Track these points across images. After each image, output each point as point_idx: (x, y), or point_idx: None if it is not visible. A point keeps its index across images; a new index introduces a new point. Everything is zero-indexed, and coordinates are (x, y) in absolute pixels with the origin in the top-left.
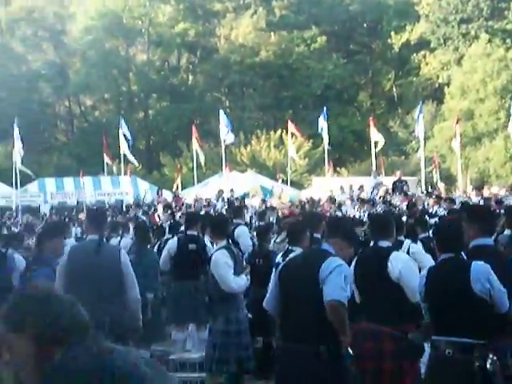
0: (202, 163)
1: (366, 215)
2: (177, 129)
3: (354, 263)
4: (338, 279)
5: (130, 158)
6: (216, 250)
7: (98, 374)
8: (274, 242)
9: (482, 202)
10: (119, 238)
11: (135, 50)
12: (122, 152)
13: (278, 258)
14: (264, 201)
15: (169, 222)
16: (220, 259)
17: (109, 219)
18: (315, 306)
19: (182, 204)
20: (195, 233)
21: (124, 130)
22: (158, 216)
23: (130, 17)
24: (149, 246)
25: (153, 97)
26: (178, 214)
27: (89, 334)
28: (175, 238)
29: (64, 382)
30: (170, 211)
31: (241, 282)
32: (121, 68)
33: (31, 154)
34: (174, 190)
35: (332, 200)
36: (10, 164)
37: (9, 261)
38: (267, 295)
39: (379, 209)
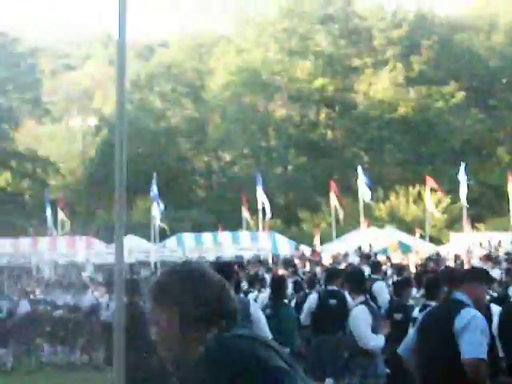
0: (341, 218)
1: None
2: (315, 184)
3: (497, 317)
4: (474, 334)
5: (267, 212)
6: (355, 306)
7: (247, 364)
8: (413, 297)
9: None
10: (256, 292)
11: (274, 105)
12: (260, 207)
13: (416, 313)
14: (389, 258)
15: (301, 277)
16: (359, 316)
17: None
18: (452, 360)
19: (320, 259)
20: (335, 288)
21: (261, 185)
22: (294, 271)
23: (268, 72)
24: (286, 301)
25: (291, 152)
26: (317, 269)
27: (236, 321)
28: (315, 293)
29: (215, 367)
30: (292, 268)
31: (379, 341)
32: (260, 123)
33: (170, 209)
34: (312, 245)
35: (456, 257)
36: (148, 219)
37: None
38: (402, 344)
39: (503, 266)
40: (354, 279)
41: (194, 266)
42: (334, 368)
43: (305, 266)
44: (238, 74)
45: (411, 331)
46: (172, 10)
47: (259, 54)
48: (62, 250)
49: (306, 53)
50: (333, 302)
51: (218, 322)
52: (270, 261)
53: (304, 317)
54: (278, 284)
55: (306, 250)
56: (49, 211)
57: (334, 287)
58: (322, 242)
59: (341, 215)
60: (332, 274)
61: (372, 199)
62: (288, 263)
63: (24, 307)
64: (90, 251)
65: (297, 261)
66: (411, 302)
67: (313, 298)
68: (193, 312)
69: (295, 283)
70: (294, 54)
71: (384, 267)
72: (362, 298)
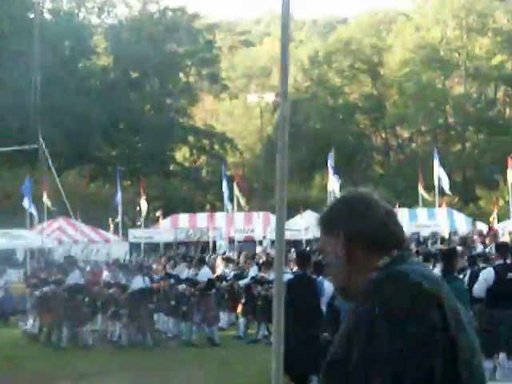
0: None
1: None
2: (493, 161)
3: None
4: None
5: (446, 189)
6: None
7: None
8: None
9: None
10: (431, 266)
11: (452, 83)
12: (436, 184)
13: None
14: None
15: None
16: None
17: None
18: None
19: (496, 235)
20: (509, 261)
21: (438, 162)
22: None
23: (447, 49)
24: (458, 274)
25: (469, 129)
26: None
27: (408, 251)
28: (491, 268)
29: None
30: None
31: None
32: (437, 100)
33: (347, 185)
34: (489, 222)
35: None
36: (325, 195)
37: (319, 286)
38: None
39: None
40: None
41: (360, 192)
42: (507, 342)
43: (483, 243)
44: (416, 51)
45: None
46: None
47: (437, 31)
48: (239, 226)
49: (484, 30)
50: (511, 275)
51: (388, 249)
52: (447, 237)
53: (479, 290)
54: (448, 257)
55: (483, 226)
56: (225, 187)
57: (508, 261)
58: (499, 219)
59: None
60: (504, 247)
61: None
62: (465, 240)
63: (138, 283)
64: (267, 227)
65: (474, 237)
66: None
67: (488, 273)
68: (358, 236)
69: (470, 258)
70: (472, 31)
71: None
72: None
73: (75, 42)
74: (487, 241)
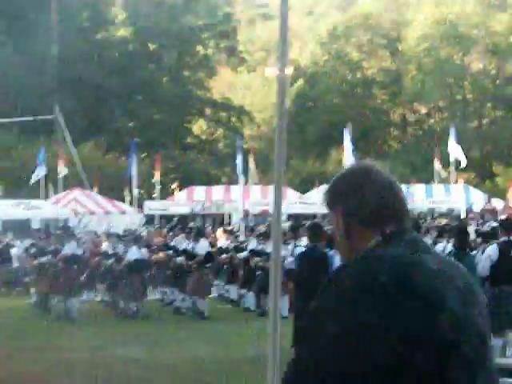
0: None
1: None
2: (511, 138)
3: None
4: None
5: (462, 165)
6: None
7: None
8: None
9: None
10: (445, 242)
11: (470, 59)
12: (452, 160)
13: None
14: None
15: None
16: None
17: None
18: None
19: (496, 211)
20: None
21: (454, 138)
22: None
23: (466, 24)
24: (471, 251)
25: (487, 106)
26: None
27: (404, 224)
28: (495, 244)
29: (369, 268)
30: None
31: None
32: (456, 76)
33: (363, 160)
34: (506, 199)
35: None
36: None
37: (330, 259)
38: None
39: None
40: None
41: (361, 165)
42: None
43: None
44: (435, 27)
45: None
46: None
47: (457, 6)
48: (255, 199)
49: (504, 6)
50: None
51: (385, 225)
52: (463, 214)
53: (482, 268)
54: (461, 233)
55: (499, 203)
56: (239, 160)
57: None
58: None
59: None
60: (509, 224)
61: None
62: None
63: (133, 254)
64: (284, 200)
65: (487, 213)
66: None
67: (492, 249)
68: (355, 211)
69: (482, 235)
70: (492, 7)
71: None
72: None
73: (93, 12)
74: (486, 217)
